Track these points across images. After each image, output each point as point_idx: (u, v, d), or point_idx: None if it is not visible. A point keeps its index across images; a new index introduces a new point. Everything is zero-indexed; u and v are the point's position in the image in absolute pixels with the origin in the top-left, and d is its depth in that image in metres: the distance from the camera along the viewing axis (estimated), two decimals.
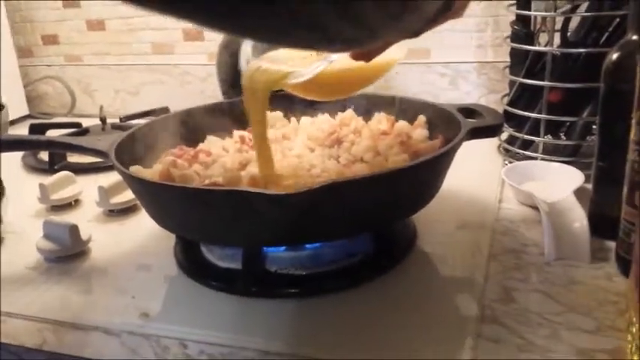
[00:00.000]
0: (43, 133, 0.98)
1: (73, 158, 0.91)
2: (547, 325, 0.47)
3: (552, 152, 0.75)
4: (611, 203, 0.55)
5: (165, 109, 1.05)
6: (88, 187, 0.78)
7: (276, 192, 0.44)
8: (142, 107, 1.09)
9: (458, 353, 0.44)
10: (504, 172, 0.70)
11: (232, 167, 0.60)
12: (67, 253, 0.62)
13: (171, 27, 1.18)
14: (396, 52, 0.46)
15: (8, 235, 0.69)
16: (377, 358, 0.45)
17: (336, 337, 0.47)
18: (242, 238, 0.52)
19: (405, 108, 0.69)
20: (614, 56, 0.55)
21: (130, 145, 0.63)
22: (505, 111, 0.79)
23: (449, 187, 0.60)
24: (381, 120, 0.68)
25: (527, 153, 0.77)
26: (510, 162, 0.77)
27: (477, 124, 0.60)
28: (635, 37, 0.54)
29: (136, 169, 0.58)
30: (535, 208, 0.65)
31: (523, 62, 0.77)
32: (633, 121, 0.49)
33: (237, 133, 0.69)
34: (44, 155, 0.94)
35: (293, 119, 0.73)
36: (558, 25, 0.73)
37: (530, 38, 0.78)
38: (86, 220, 0.72)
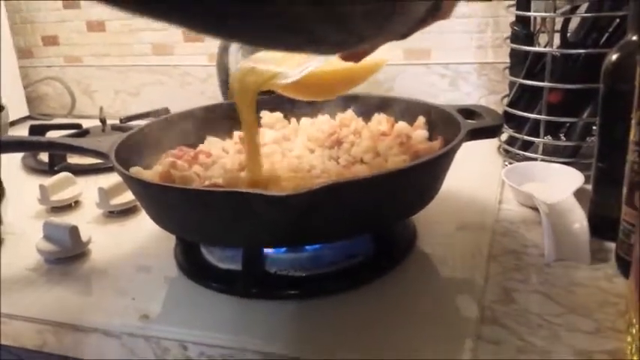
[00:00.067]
0: (43, 134, 0.98)
1: (73, 159, 0.91)
2: (547, 326, 0.47)
3: (552, 153, 0.75)
4: (611, 204, 0.55)
5: (166, 110, 1.05)
6: (88, 189, 0.78)
7: (275, 193, 0.44)
8: (142, 108, 1.09)
9: (458, 354, 0.44)
10: (504, 173, 0.70)
11: (232, 168, 0.60)
12: (67, 254, 0.62)
13: (171, 28, 1.18)
14: (385, 53, 0.46)
15: (8, 237, 0.69)
16: (377, 359, 0.45)
17: (336, 339, 0.47)
18: (242, 239, 0.52)
19: (404, 109, 0.69)
20: (614, 57, 0.55)
21: (130, 146, 0.63)
22: (505, 112, 0.79)
23: (449, 188, 0.60)
24: (380, 121, 0.68)
25: (527, 154, 0.77)
26: (510, 163, 0.77)
27: (477, 125, 0.60)
28: (634, 38, 0.54)
29: (136, 171, 0.58)
30: (535, 209, 0.65)
31: (523, 63, 0.77)
32: (633, 122, 0.49)
33: (237, 134, 0.69)
34: (44, 156, 0.94)
35: (293, 120, 0.73)
36: (558, 26, 0.73)
37: (530, 39, 0.78)
38: (86, 221, 0.72)
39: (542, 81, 0.72)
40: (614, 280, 0.53)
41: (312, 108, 0.73)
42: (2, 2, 1.22)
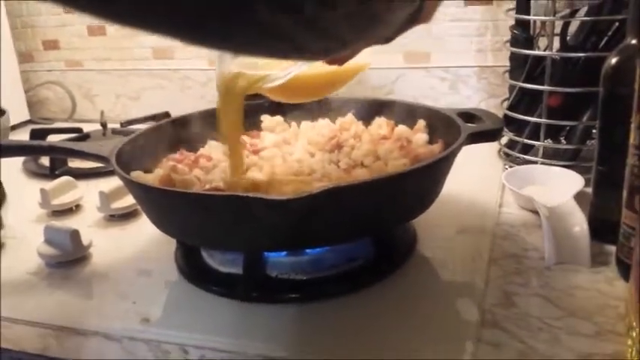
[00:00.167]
0: (44, 138, 0.98)
1: (74, 163, 0.91)
2: (547, 329, 0.47)
3: (552, 156, 0.75)
4: (611, 207, 0.55)
5: (166, 114, 1.05)
6: (89, 192, 0.78)
7: (276, 197, 0.44)
8: (143, 112, 1.09)
9: (458, 357, 0.44)
10: (504, 177, 0.70)
11: None
12: (68, 258, 0.62)
13: None
14: (368, 56, 0.47)
15: (9, 241, 0.69)
16: None
17: (337, 342, 0.47)
18: (242, 243, 0.52)
19: (404, 112, 0.69)
20: (614, 60, 0.55)
21: (131, 150, 0.63)
22: (505, 115, 0.79)
23: (449, 192, 0.60)
24: (381, 124, 0.68)
25: (527, 157, 0.77)
26: (510, 166, 0.78)
27: (477, 128, 0.61)
28: (634, 42, 0.54)
29: (136, 174, 0.58)
30: (535, 212, 0.65)
31: (523, 66, 0.77)
32: (633, 125, 0.49)
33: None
34: (45, 160, 0.94)
35: (293, 124, 0.73)
36: (558, 30, 0.73)
37: (530, 42, 0.78)
38: (87, 225, 0.72)
39: (542, 84, 0.73)
40: (614, 283, 0.53)
41: (312, 112, 0.73)
42: (3, 6, 1.22)
